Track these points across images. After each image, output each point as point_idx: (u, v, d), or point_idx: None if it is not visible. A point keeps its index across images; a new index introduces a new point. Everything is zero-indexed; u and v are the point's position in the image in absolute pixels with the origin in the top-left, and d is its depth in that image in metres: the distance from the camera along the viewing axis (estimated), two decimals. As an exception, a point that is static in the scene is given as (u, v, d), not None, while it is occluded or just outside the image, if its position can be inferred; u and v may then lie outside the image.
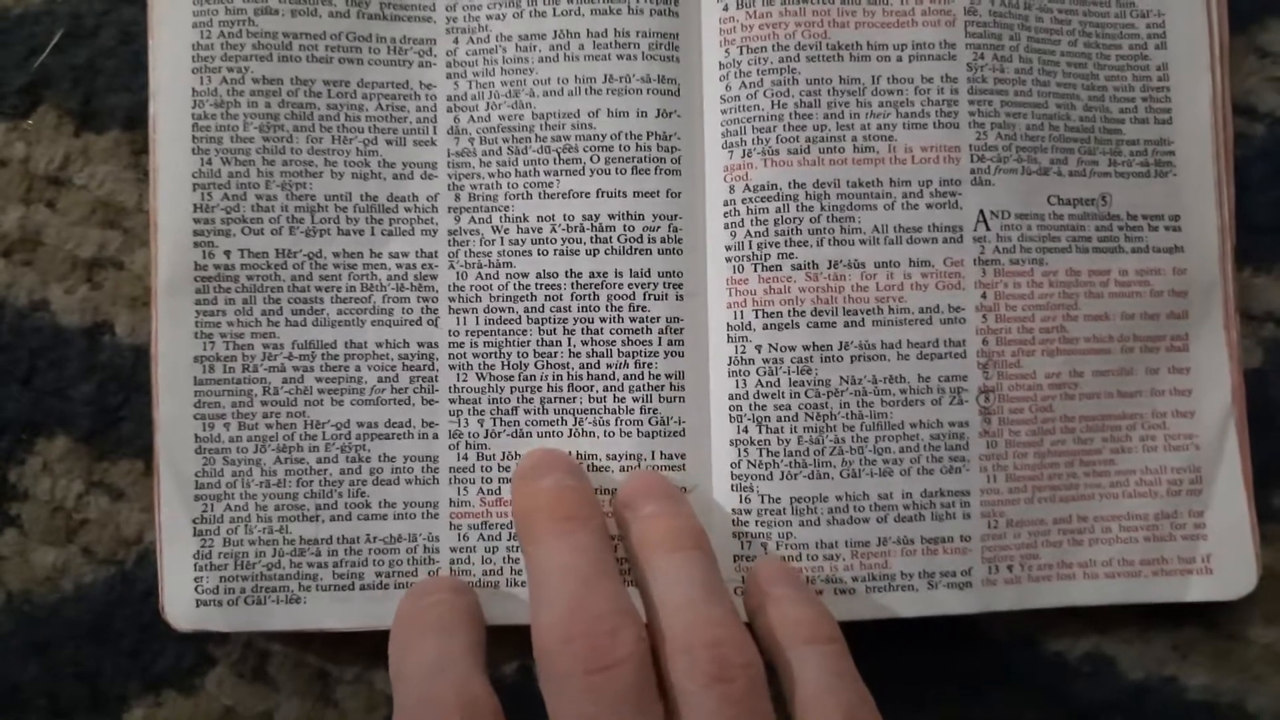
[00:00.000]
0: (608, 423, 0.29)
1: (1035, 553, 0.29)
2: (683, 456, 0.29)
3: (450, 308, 0.29)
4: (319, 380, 0.29)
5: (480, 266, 0.29)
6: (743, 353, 0.29)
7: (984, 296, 0.29)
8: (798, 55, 0.29)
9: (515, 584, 0.29)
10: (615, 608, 0.24)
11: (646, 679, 0.23)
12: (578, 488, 0.27)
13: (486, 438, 0.29)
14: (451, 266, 0.29)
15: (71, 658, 0.30)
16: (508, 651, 0.30)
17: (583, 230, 0.29)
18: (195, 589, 0.28)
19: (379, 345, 0.29)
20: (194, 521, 0.28)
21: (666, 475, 0.29)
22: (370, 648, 0.29)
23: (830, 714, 0.24)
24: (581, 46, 0.29)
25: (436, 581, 0.27)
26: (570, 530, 0.25)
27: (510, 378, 0.29)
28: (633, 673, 0.23)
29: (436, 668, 0.24)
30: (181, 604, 0.28)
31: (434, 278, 0.29)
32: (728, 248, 0.29)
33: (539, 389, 0.29)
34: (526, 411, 0.29)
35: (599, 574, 0.25)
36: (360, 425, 0.29)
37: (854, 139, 0.29)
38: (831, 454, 0.28)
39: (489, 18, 0.29)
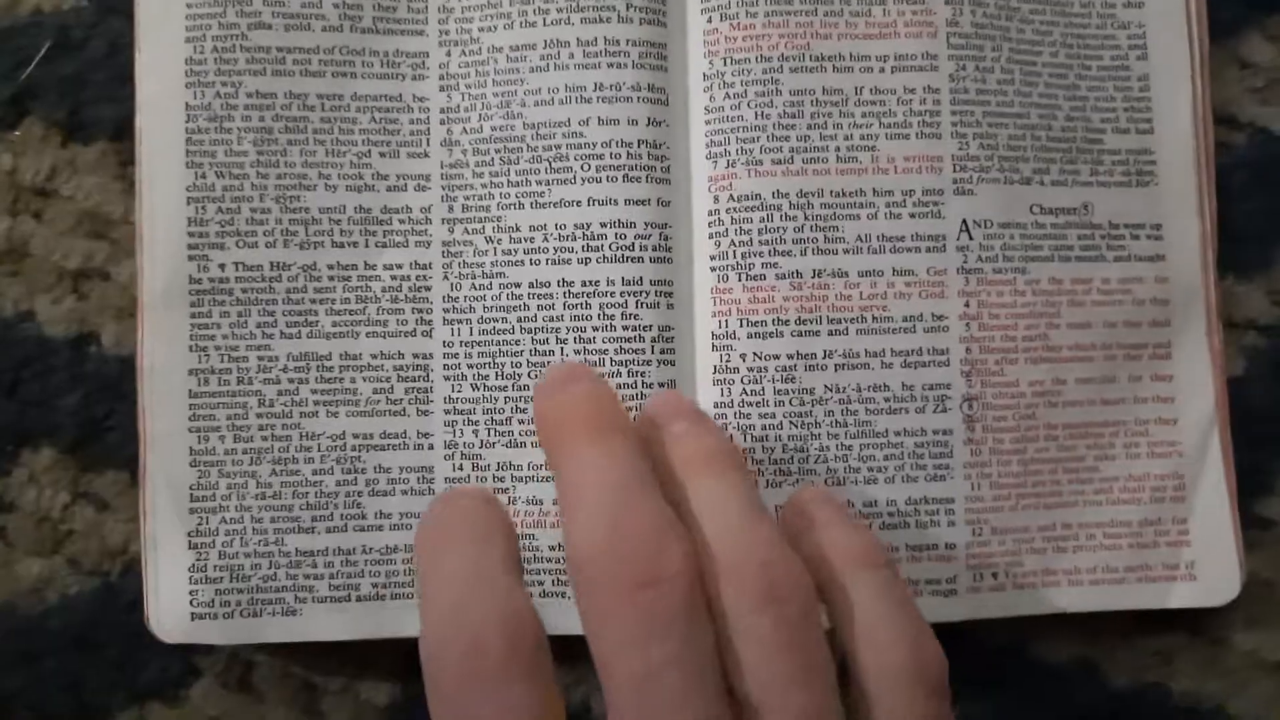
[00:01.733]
0: None
1: (1020, 560, 0.31)
2: (673, 465, 0.31)
3: (444, 319, 0.31)
4: (314, 392, 0.30)
5: (474, 277, 0.31)
6: (727, 361, 0.30)
7: (967, 305, 0.31)
8: (781, 66, 0.31)
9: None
10: (662, 521, 0.23)
11: (698, 599, 0.22)
12: (611, 395, 0.26)
13: (481, 448, 0.30)
14: (445, 278, 0.31)
15: (56, 669, 0.31)
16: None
17: (574, 239, 0.30)
18: (190, 602, 0.30)
19: (374, 357, 0.30)
20: (189, 535, 0.30)
21: None
22: (356, 658, 0.31)
23: (893, 645, 0.23)
24: (572, 55, 0.31)
25: (467, 489, 0.27)
26: (607, 439, 0.24)
27: (504, 388, 0.30)
28: (684, 590, 0.22)
29: (474, 576, 0.22)
30: (176, 618, 0.30)
31: (428, 289, 0.31)
32: (712, 257, 0.31)
33: (533, 399, 0.30)
34: (520, 421, 0.30)
35: (641, 486, 0.23)
36: (356, 437, 0.30)
37: (837, 149, 0.31)
38: (816, 462, 0.30)
39: (481, 30, 0.31)
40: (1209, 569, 0.31)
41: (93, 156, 0.32)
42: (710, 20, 0.31)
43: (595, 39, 0.31)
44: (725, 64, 0.31)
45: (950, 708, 0.24)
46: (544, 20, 0.31)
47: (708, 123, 0.31)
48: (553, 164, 0.31)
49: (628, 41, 0.31)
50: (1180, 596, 0.31)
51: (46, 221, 0.32)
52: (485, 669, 0.21)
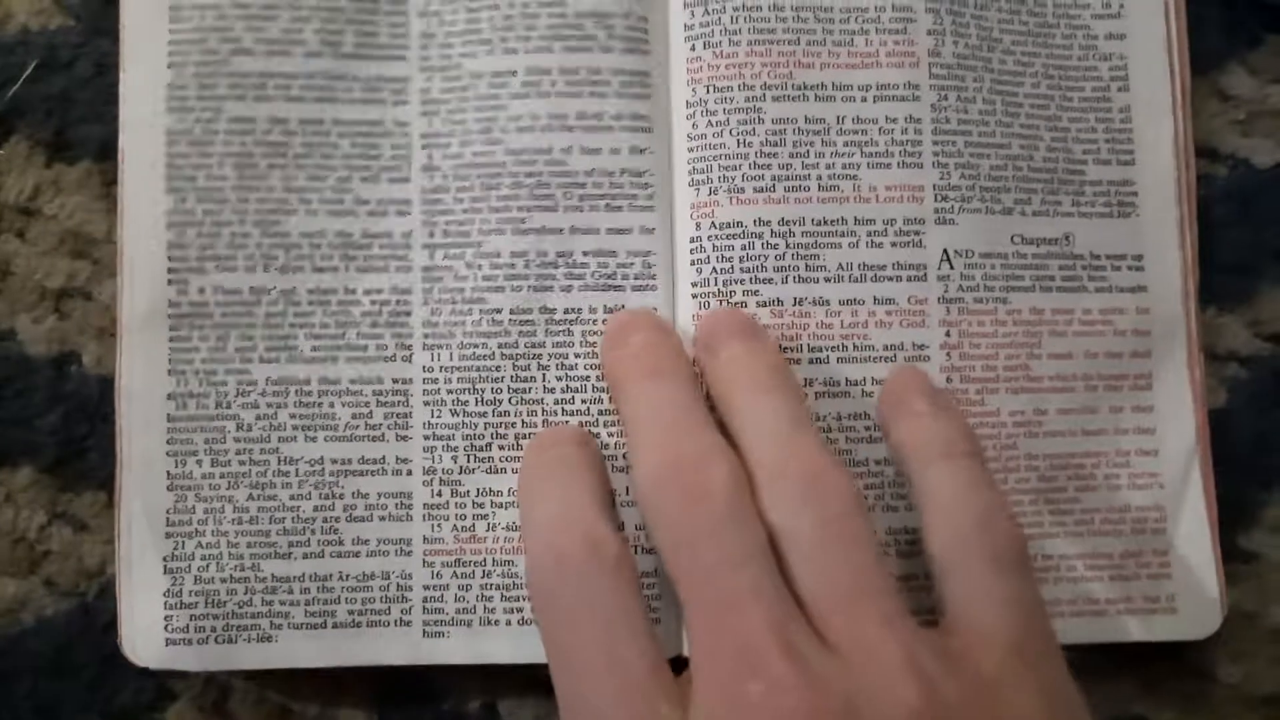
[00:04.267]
0: None
1: (1001, 590, 0.32)
2: (654, 492, 0.31)
3: (424, 344, 0.31)
4: (292, 417, 0.31)
5: (454, 303, 0.31)
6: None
7: (948, 334, 0.31)
8: (763, 95, 0.31)
9: (489, 623, 0.30)
10: (704, 445, 0.27)
11: (743, 506, 0.26)
12: (663, 342, 0.30)
13: (460, 474, 0.31)
14: (425, 303, 0.31)
15: (31, 691, 0.32)
16: (473, 691, 0.32)
17: (556, 267, 0.31)
18: (165, 628, 0.30)
19: (353, 382, 0.31)
20: (164, 559, 0.30)
21: None
22: (331, 684, 0.31)
23: (960, 524, 0.27)
24: (554, 84, 0.31)
25: (559, 432, 0.30)
26: (657, 382, 0.29)
27: (484, 414, 0.31)
28: (725, 501, 0.26)
29: (562, 516, 0.27)
30: (150, 643, 0.30)
31: (408, 314, 0.31)
32: (694, 284, 0.31)
33: (513, 425, 0.31)
34: (500, 448, 0.31)
35: (687, 417, 0.28)
36: (334, 462, 0.31)
37: (819, 178, 0.31)
38: (796, 490, 0.31)
39: (462, 56, 0.32)
40: (1190, 601, 0.32)
41: (77, 176, 0.33)
42: (694, 49, 0.32)
43: (577, 69, 0.31)
44: (708, 92, 0.32)
45: (1030, 583, 0.26)
46: (525, 48, 0.32)
47: (690, 150, 0.32)
48: (534, 191, 0.31)
49: (610, 71, 0.32)
50: (1161, 629, 0.32)
51: (30, 240, 0.33)
52: (567, 571, 0.26)
